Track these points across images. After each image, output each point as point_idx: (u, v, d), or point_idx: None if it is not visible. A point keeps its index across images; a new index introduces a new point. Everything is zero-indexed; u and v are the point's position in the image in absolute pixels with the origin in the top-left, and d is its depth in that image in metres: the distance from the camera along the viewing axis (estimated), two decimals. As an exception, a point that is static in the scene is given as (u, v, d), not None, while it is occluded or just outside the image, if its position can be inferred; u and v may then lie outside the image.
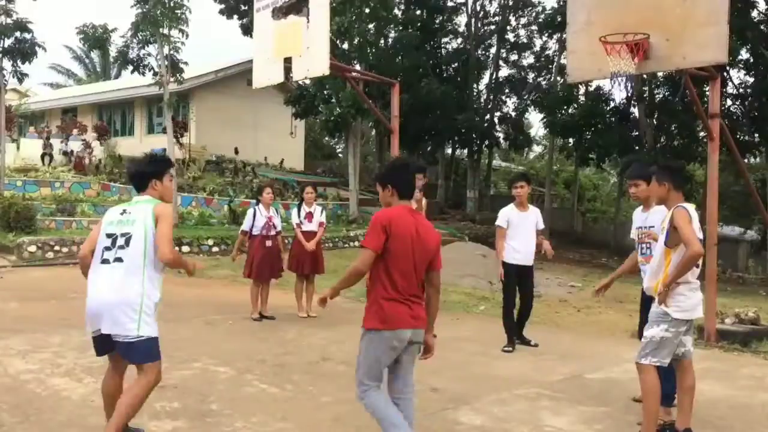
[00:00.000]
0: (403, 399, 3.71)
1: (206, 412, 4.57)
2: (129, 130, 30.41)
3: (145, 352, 3.69)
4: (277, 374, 5.65)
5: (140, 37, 18.45)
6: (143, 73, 19.58)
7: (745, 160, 24.02)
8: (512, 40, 30.20)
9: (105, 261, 3.73)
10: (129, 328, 3.61)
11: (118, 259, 3.69)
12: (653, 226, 4.86)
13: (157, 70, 18.67)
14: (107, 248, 3.75)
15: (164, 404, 4.66)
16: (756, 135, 23.38)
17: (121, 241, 3.72)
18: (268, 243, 8.34)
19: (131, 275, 3.66)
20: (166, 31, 17.92)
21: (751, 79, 23.75)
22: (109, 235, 3.78)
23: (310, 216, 8.71)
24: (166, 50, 18.18)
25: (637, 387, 5.56)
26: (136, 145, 28.35)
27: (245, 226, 8.47)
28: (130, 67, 19.63)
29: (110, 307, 3.63)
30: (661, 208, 4.67)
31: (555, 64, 27.87)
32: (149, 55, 19.04)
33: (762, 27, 22.40)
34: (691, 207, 4.21)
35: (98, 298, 3.69)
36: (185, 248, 15.51)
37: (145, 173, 3.96)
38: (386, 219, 3.54)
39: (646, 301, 4.67)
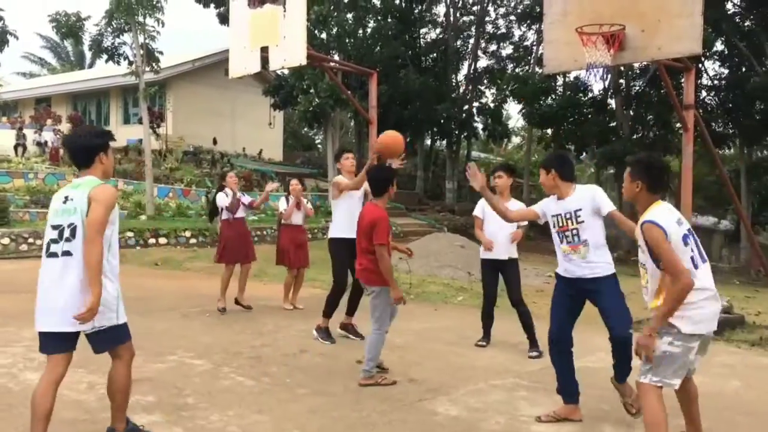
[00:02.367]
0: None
1: (181, 405, 4.53)
2: (104, 121, 30.00)
3: (108, 340, 3.67)
4: (253, 366, 5.61)
5: (115, 26, 18.22)
6: (118, 63, 19.33)
7: (720, 151, 24.35)
8: (491, 30, 30.24)
9: (52, 254, 3.53)
10: (110, 318, 3.60)
11: (67, 252, 3.49)
12: (580, 209, 4.45)
13: (132, 59, 18.44)
14: (54, 240, 3.54)
15: (139, 398, 4.60)
16: (730, 126, 23.69)
17: (67, 233, 3.50)
18: (236, 224, 8.32)
19: (81, 268, 3.46)
20: (141, 19, 17.69)
21: (726, 71, 24.04)
22: (55, 227, 3.56)
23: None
24: (141, 39, 17.96)
25: (611, 375, 5.62)
26: (112, 135, 28.01)
27: (223, 202, 8.25)
28: (105, 56, 19.36)
29: (62, 304, 3.46)
30: (581, 192, 4.52)
31: (533, 54, 27.96)
32: (124, 44, 18.82)
33: (736, 19, 22.66)
34: (662, 214, 3.54)
35: (47, 295, 3.51)
36: (162, 240, 15.38)
37: (92, 146, 3.64)
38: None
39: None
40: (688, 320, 3.44)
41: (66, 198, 3.57)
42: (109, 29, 18.51)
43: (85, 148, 3.65)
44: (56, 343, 3.55)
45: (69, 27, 19.23)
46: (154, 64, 18.35)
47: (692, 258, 3.51)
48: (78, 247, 3.48)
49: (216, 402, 4.60)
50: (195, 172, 22.47)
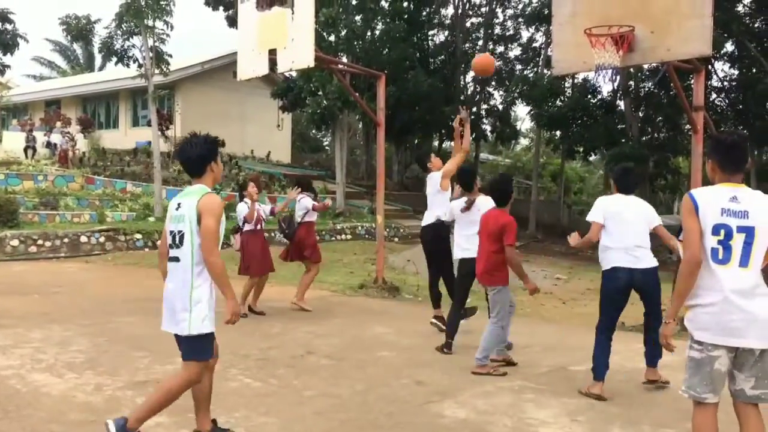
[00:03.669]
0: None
1: (189, 407, 4.50)
2: (113, 123, 30.16)
3: (191, 348, 3.72)
4: (261, 368, 5.61)
5: (124, 29, 18.30)
6: (128, 65, 19.43)
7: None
8: (499, 32, 30.21)
9: (172, 258, 3.75)
10: (182, 326, 3.67)
11: (175, 258, 3.71)
12: None
13: (141, 61, 18.51)
14: (171, 246, 3.76)
15: (146, 399, 4.61)
16: (740, 128, 23.54)
17: (177, 239, 3.70)
18: (257, 236, 8.25)
19: (186, 273, 3.66)
20: (150, 22, 17.77)
21: (736, 73, 23.90)
22: (170, 233, 3.77)
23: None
24: (150, 42, 18.03)
25: (620, 378, 5.59)
26: (121, 137, 28.15)
27: (240, 222, 8.13)
28: (115, 59, 19.46)
29: (171, 305, 3.72)
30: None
31: (542, 56, 27.91)
32: (134, 46, 18.90)
33: (747, 20, 22.52)
34: (707, 191, 3.22)
35: (165, 295, 3.80)
36: (170, 242, 15.44)
37: (205, 156, 3.77)
38: None
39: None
40: (695, 323, 3.14)
41: (179, 205, 3.75)
42: (118, 32, 18.60)
43: (198, 158, 3.77)
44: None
45: (79, 30, 19.41)
46: (163, 67, 18.44)
47: (714, 250, 3.10)
48: (184, 254, 3.67)
49: (223, 403, 4.60)
50: (203, 174, 22.54)
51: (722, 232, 3.09)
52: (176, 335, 3.74)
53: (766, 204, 3.13)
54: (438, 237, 7.13)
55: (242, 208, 8.11)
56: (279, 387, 5.10)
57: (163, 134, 23.79)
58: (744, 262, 3.09)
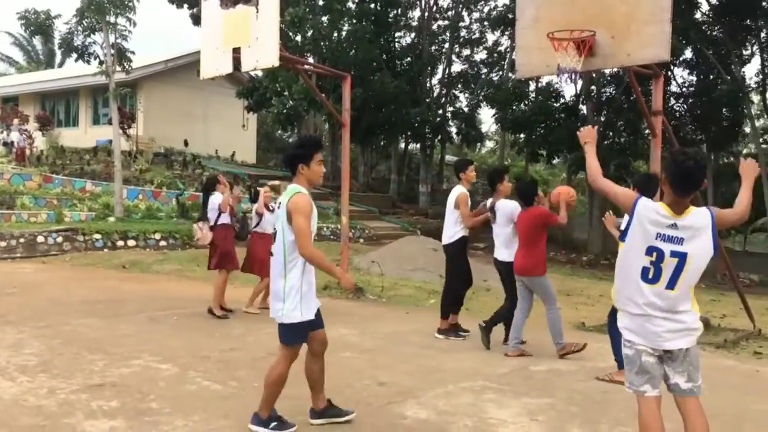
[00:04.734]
0: None
1: (145, 410, 4.43)
2: (73, 121, 29.50)
3: (284, 334, 4.09)
4: (221, 370, 5.54)
5: (85, 24, 17.89)
6: (88, 62, 19.03)
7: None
8: (465, 35, 30.41)
9: (271, 253, 4.12)
10: (278, 314, 4.05)
11: (271, 253, 4.10)
12: None
13: (102, 58, 18.14)
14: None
15: (101, 403, 4.51)
16: (698, 133, 24.12)
17: (274, 237, 4.10)
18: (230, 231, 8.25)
19: (279, 267, 4.02)
20: (112, 18, 17.42)
21: (694, 79, 24.48)
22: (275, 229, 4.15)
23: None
24: (112, 38, 17.69)
25: (580, 377, 5.67)
26: (81, 136, 27.56)
27: (214, 213, 8.03)
28: (75, 55, 19.04)
29: (273, 295, 4.12)
30: None
31: (506, 60, 28.18)
32: (95, 43, 18.52)
33: (705, 28, 23.09)
34: (652, 204, 3.26)
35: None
36: (131, 242, 15.16)
37: (293, 157, 4.06)
38: None
39: None
40: (624, 324, 3.31)
41: (279, 204, 4.12)
42: (79, 28, 18.18)
43: (288, 158, 4.11)
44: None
45: (38, 25, 18.89)
46: (125, 64, 18.09)
47: (645, 269, 3.20)
48: (278, 249, 4.04)
49: (181, 407, 4.52)
50: (166, 174, 22.17)
51: (655, 254, 3.17)
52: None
53: (703, 226, 3.14)
54: None
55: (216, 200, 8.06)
56: (239, 389, 5.03)
57: (125, 133, 23.33)
58: (671, 285, 3.18)
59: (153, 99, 27.15)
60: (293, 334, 4.06)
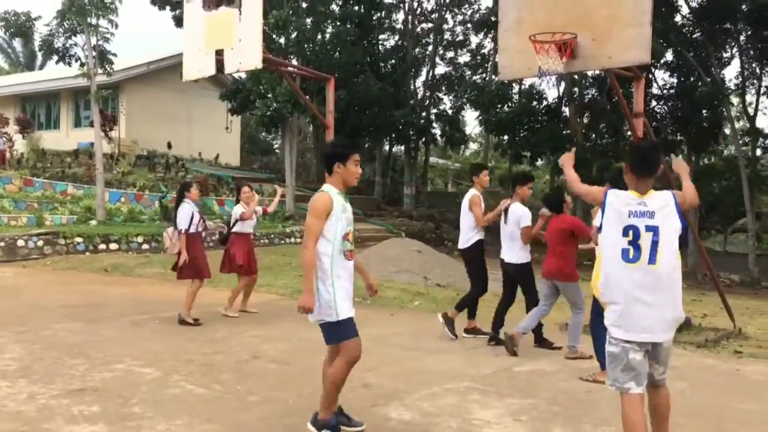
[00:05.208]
0: None
1: (127, 415, 4.39)
2: (54, 124, 29.18)
3: (326, 334, 4.04)
4: (204, 374, 5.50)
5: (67, 26, 17.70)
6: (69, 64, 18.82)
7: (668, 159, 24.95)
8: (449, 38, 30.51)
9: None
10: (314, 316, 3.98)
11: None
12: None
13: (84, 60, 17.97)
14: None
15: (82, 408, 4.46)
16: (678, 135, 24.36)
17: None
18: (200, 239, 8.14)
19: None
20: (93, 20, 17.25)
21: (675, 81, 24.73)
22: None
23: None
24: (93, 40, 17.51)
25: (564, 377, 5.71)
26: (62, 139, 27.27)
27: (185, 224, 7.80)
28: (56, 58, 18.83)
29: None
30: None
31: (490, 62, 28.30)
32: (76, 45, 18.30)
33: (685, 31, 23.34)
34: (621, 193, 3.57)
35: None
36: (113, 245, 15.02)
37: (331, 155, 4.10)
38: None
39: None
40: (610, 320, 3.46)
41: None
42: (60, 30, 17.98)
43: (326, 157, 4.14)
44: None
45: (18, 27, 18.65)
46: (107, 66, 17.90)
47: (625, 250, 3.42)
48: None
49: (164, 411, 4.48)
50: (148, 177, 21.98)
51: (631, 233, 3.42)
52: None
53: (669, 203, 3.46)
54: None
55: (188, 210, 7.86)
56: (223, 393, 5.00)
57: (107, 135, 23.13)
58: (652, 259, 3.40)
59: (135, 101, 26.93)
60: (336, 331, 4.02)
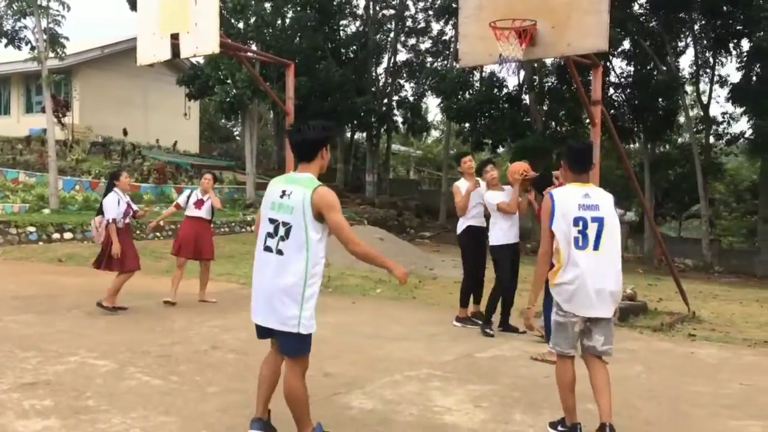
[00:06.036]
0: None
1: (81, 408, 4.27)
2: (4, 109, 28.26)
3: (296, 346, 3.57)
4: (161, 365, 5.39)
5: (15, 8, 17.10)
6: (19, 48, 18.25)
7: (625, 146, 25.49)
8: (410, 24, 30.44)
9: (268, 249, 3.53)
10: (290, 324, 3.47)
11: (279, 252, 3.48)
12: None
13: (34, 44, 17.39)
14: (270, 235, 3.53)
15: (34, 402, 4.32)
16: (635, 122, 24.83)
17: (281, 231, 3.47)
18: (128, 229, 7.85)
19: (293, 267, 3.44)
20: (44, 2, 16.71)
21: (632, 69, 25.16)
22: (271, 221, 3.53)
23: (200, 203, 8.45)
24: (44, 23, 16.95)
25: (524, 363, 5.76)
26: (13, 125, 26.43)
27: (113, 214, 7.49)
28: (5, 41, 18.22)
29: (268, 298, 3.51)
30: None
31: (451, 49, 28.35)
32: (26, 27, 17.74)
33: (641, 20, 23.73)
34: (565, 191, 4.02)
35: (260, 290, 3.58)
36: (68, 234, 14.63)
37: (319, 140, 3.61)
38: None
39: None
40: (560, 296, 3.90)
41: (283, 192, 3.53)
42: (9, 12, 17.39)
43: (312, 142, 3.60)
44: (266, 334, 3.65)
45: (-37, 8, 17.97)
46: (58, 50, 17.37)
47: (576, 238, 3.85)
48: (291, 248, 3.45)
49: (119, 404, 4.37)
50: (104, 164, 21.46)
51: (581, 223, 3.85)
52: (270, 330, 3.56)
53: (609, 199, 3.95)
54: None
55: (111, 202, 7.53)
56: (180, 384, 4.90)
57: (60, 121, 22.49)
58: (596, 246, 3.86)
59: (90, 86, 26.22)
60: (306, 344, 3.59)
